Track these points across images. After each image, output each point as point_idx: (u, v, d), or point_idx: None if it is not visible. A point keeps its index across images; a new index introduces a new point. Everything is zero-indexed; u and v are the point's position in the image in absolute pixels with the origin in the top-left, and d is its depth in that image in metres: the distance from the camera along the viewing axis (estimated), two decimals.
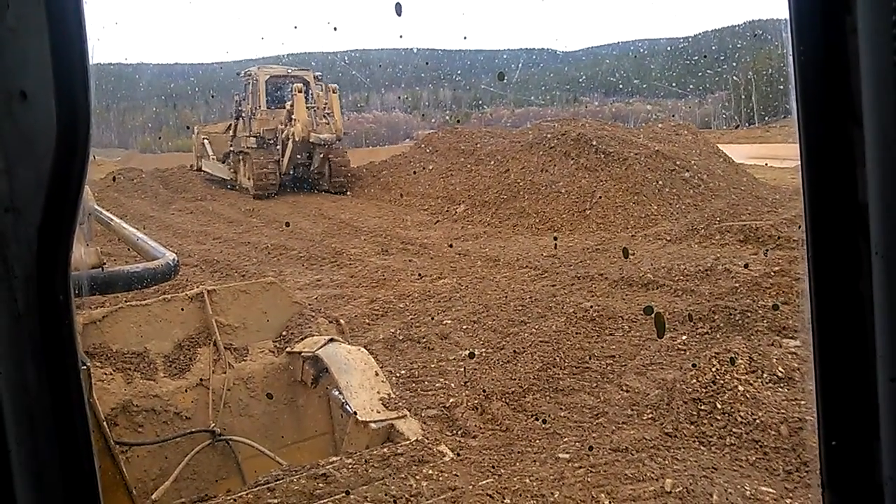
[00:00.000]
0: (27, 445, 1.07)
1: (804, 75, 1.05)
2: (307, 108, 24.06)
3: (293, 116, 24.10)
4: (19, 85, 1.04)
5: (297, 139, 24.03)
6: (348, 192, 24.90)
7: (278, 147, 25.50)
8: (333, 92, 24.93)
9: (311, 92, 25.18)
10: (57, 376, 1.11)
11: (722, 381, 6.44)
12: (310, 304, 6.08)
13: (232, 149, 27.92)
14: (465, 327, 9.71)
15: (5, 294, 1.05)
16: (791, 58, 1.06)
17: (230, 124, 28.88)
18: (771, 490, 5.24)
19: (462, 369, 8.22)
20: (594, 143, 18.84)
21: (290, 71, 27.34)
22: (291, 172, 25.66)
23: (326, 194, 24.98)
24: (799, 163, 1.09)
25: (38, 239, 1.08)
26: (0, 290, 1.04)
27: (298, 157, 25.10)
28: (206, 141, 29.99)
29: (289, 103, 24.69)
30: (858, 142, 0.99)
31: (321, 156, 24.80)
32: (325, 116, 24.16)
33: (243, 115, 27.47)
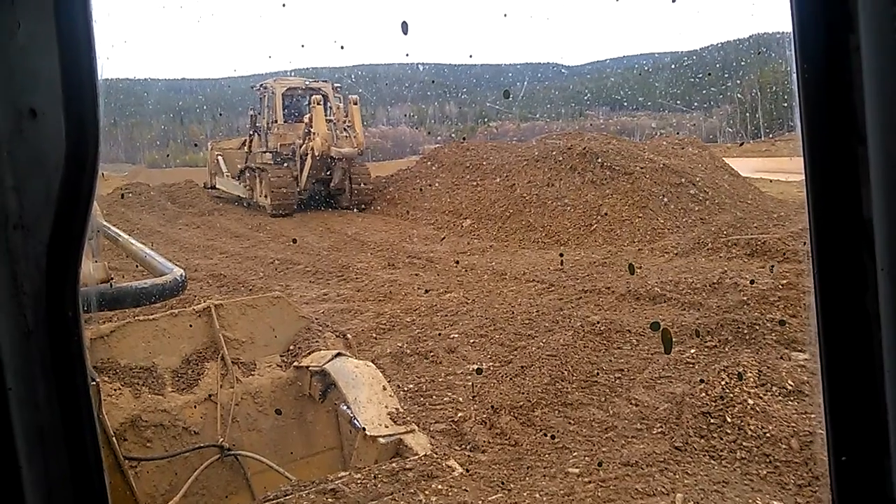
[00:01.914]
0: (37, 462, 1.07)
1: (808, 93, 1.05)
2: (326, 120, 23.03)
3: (312, 130, 23.02)
4: (29, 102, 1.05)
5: (316, 154, 22.95)
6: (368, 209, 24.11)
7: (296, 162, 24.41)
8: (354, 104, 23.86)
9: (329, 104, 24.08)
10: (66, 392, 1.11)
11: (731, 395, 6.42)
12: (317, 319, 6.08)
13: (247, 165, 26.66)
14: (472, 341, 9.70)
15: (15, 311, 1.05)
16: (795, 75, 1.06)
17: (244, 140, 27.80)
18: None
19: (470, 383, 8.20)
20: (600, 157, 18.85)
21: (307, 83, 26.03)
22: (310, 189, 24.36)
23: (334, 210, 24.37)
24: (804, 179, 1.09)
25: (46, 256, 1.08)
26: (9, 306, 1.05)
27: (318, 172, 23.89)
28: (219, 158, 28.99)
29: (307, 116, 23.69)
30: (862, 159, 1.00)
31: (342, 171, 23.64)
32: (345, 129, 23.02)
33: (259, 129, 26.50)
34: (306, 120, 23.67)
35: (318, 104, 22.99)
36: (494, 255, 16.13)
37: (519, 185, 20.02)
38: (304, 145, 23.60)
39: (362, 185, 24.43)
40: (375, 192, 25.33)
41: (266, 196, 24.51)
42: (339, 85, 25.84)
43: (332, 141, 22.73)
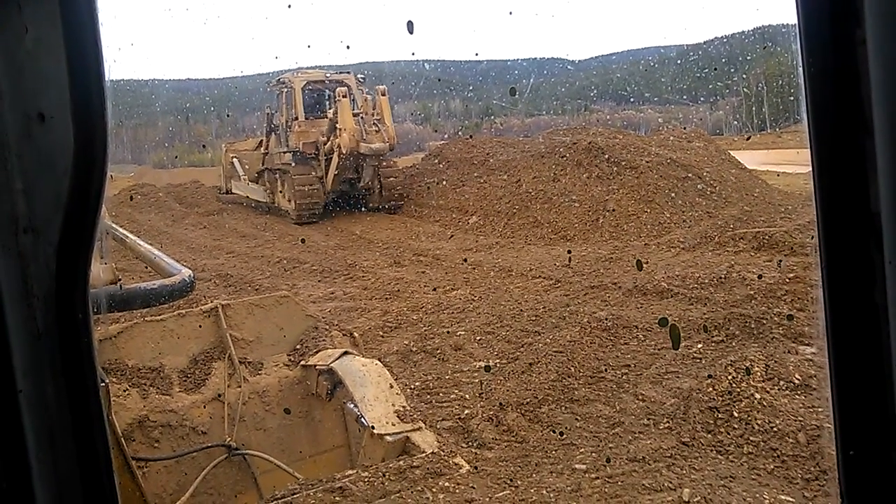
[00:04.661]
0: (47, 463, 1.08)
1: (814, 87, 1.05)
2: (353, 114, 21.06)
3: (337, 125, 20.93)
4: (38, 106, 1.06)
5: (343, 151, 20.89)
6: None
7: (320, 162, 22.41)
8: (382, 94, 21.65)
9: (354, 97, 22.33)
10: (76, 394, 1.12)
11: (738, 390, 6.41)
12: (323, 318, 6.09)
13: (265, 167, 24.85)
14: (478, 338, 9.70)
15: (25, 313, 1.06)
16: (801, 69, 1.06)
17: (260, 141, 25.92)
18: (790, 499, 5.21)
19: (477, 380, 8.20)
20: (606, 152, 18.80)
21: (328, 75, 24.07)
22: (337, 190, 22.50)
23: (341, 209, 23.17)
24: (811, 172, 1.09)
25: (56, 258, 1.09)
26: (20, 309, 1.06)
27: (345, 172, 21.92)
28: (235, 160, 26.74)
29: (331, 111, 21.71)
30: (870, 151, 1.00)
31: (371, 169, 21.71)
32: (374, 124, 20.92)
33: (276, 128, 24.58)
34: (330, 115, 21.78)
35: (344, 97, 21.07)
36: (501, 251, 16.11)
37: (525, 181, 19.97)
38: (330, 142, 21.79)
39: (393, 183, 22.79)
40: (405, 191, 23.48)
41: (290, 200, 22.93)
42: (362, 76, 24.24)
43: (360, 136, 20.81)
